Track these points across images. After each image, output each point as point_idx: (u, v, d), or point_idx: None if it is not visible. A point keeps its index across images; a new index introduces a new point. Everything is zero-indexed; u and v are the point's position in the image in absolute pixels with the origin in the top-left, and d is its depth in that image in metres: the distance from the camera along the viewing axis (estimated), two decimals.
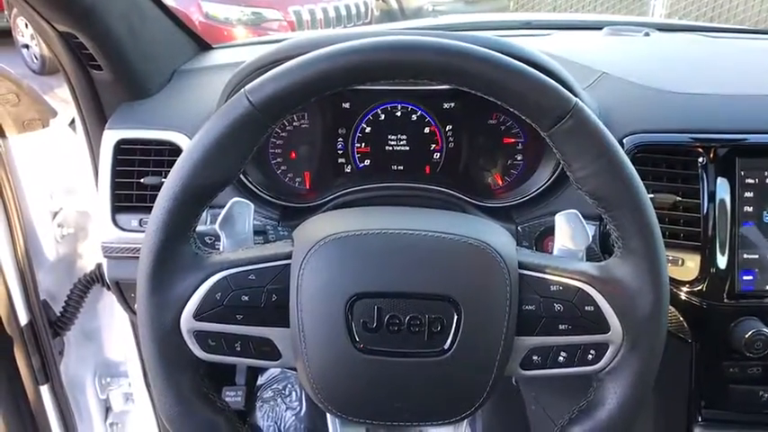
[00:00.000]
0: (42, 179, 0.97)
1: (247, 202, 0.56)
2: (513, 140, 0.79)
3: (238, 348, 0.50)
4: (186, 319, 0.49)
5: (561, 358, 0.50)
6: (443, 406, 0.49)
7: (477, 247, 0.48)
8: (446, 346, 0.47)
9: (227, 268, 0.50)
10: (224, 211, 0.55)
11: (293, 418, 1.25)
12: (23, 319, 0.97)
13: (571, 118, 0.45)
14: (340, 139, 0.79)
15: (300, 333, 0.48)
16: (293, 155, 0.80)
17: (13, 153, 0.92)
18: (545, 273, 0.49)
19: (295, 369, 0.51)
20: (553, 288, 0.49)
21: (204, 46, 0.98)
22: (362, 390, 0.48)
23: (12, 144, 0.91)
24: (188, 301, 0.49)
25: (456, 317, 0.47)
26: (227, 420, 0.51)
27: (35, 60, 4.26)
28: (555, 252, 0.54)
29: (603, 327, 0.48)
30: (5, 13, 4.42)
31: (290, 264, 0.49)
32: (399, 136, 0.78)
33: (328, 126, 0.78)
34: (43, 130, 0.94)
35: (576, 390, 0.56)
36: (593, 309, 0.48)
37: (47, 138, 0.95)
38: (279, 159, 0.80)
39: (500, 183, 0.80)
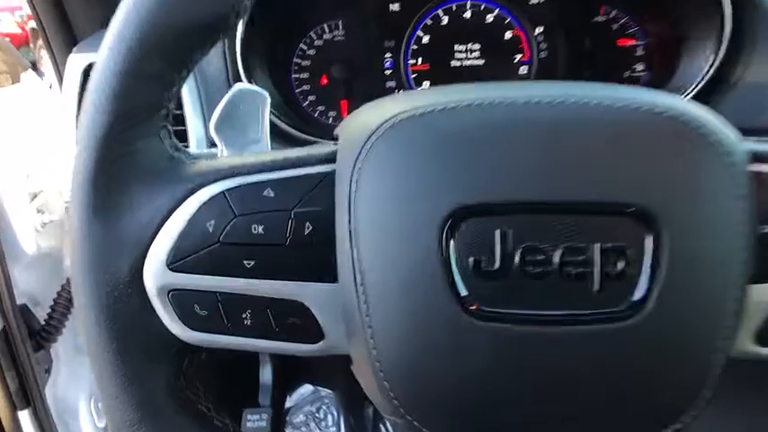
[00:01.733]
0: (16, 152, 0.78)
1: (260, 90, 0.34)
2: (630, 42, 0.57)
3: (247, 321, 0.28)
4: (155, 270, 0.28)
5: None
6: (632, 413, 0.26)
7: (680, 122, 0.26)
8: (635, 300, 0.25)
9: (226, 177, 0.28)
10: (222, 104, 0.34)
11: None
12: None
13: None
14: (388, 55, 0.61)
15: (359, 289, 0.26)
16: (324, 79, 0.61)
17: None
18: None
19: (348, 358, 0.29)
20: None
21: None
22: (478, 386, 0.26)
23: None
24: (156, 235, 0.27)
25: (652, 246, 0.25)
26: None
27: None
28: None
29: None
30: None
31: (334, 170, 0.27)
32: (470, 46, 0.60)
33: (372, 37, 0.60)
34: (13, 86, 0.76)
35: None
36: None
37: (20, 97, 0.77)
38: (305, 86, 0.61)
39: None
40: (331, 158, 0.28)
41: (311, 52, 0.61)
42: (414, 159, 0.26)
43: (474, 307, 0.25)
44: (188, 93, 0.53)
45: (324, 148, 0.29)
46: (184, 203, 0.28)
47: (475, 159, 0.26)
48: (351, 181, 0.26)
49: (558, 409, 0.26)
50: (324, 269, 0.28)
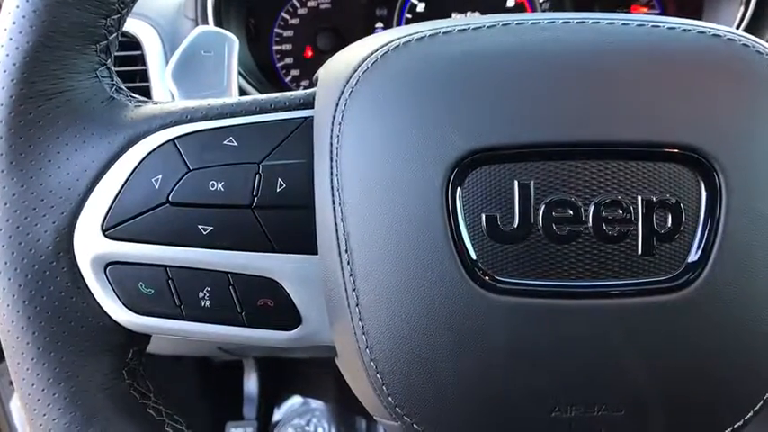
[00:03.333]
0: None
1: (227, 34, 0.29)
2: (644, 10, 0.53)
3: (206, 303, 0.22)
4: (88, 237, 0.23)
5: None
6: (691, 406, 0.21)
7: (741, 45, 0.22)
8: (689, 263, 0.20)
9: (178, 123, 0.23)
10: (182, 48, 0.28)
11: None
12: None
13: None
14: (379, 25, 0.56)
15: (343, 260, 0.21)
16: (309, 51, 0.57)
17: None
18: None
19: (331, 349, 0.23)
20: None
21: None
22: (494, 377, 0.21)
23: None
24: (89, 193, 0.22)
25: (708, 198, 0.20)
26: None
27: None
28: None
29: None
30: None
31: (311, 116, 0.22)
32: (470, 14, 0.55)
33: (362, 5, 0.56)
34: None
35: None
36: None
37: None
38: (288, 59, 0.56)
39: None
40: (310, 102, 0.23)
41: (294, 21, 0.56)
42: (410, 94, 0.21)
43: (487, 277, 0.20)
44: (158, 66, 0.48)
45: (302, 91, 0.24)
46: (125, 154, 0.22)
47: (487, 92, 0.20)
48: (333, 124, 0.21)
49: (596, 404, 0.21)
50: (300, 237, 0.22)
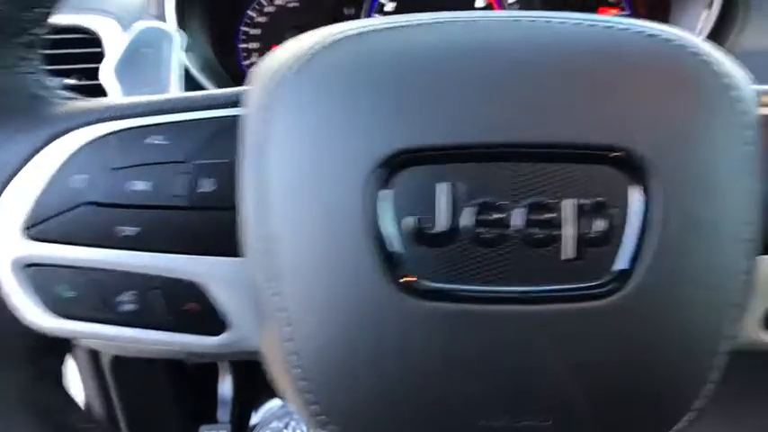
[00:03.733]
0: None
1: (167, 29, 0.28)
2: (614, 11, 0.52)
3: (129, 307, 0.22)
4: (6, 237, 0.22)
5: None
6: (618, 415, 0.21)
7: (676, 45, 0.21)
8: (618, 271, 0.20)
9: (102, 120, 0.22)
10: (124, 46, 0.27)
11: None
12: None
13: None
14: None
15: (267, 261, 0.20)
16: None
17: None
18: None
19: (256, 355, 0.22)
20: None
21: None
22: (421, 384, 0.20)
23: None
24: (4, 189, 0.22)
25: (640, 202, 0.20)
26: None
27: None
28: None
29: None
30: None
31: (239, 115, 0.22)
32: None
33: (329, 4, 0.55)
34: None
35: None
36: None
37: None
38: (254, 58, 0.54)
39: None
40: (240, 99, 0.22)
41: (261, 20, 0.55)
42: (339, 93, 0.20)
43: (412, 281, 0.19)
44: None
45: (234, 89, 0.23)
46: (44, 151, 0.21)
47: (417, 91, 0.20)
48: (259, 122, 0.20)
49: (523, 414, 0.20)
50: (228, 239, 0.21)
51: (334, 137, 0.19)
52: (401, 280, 0.19)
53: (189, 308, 0.22)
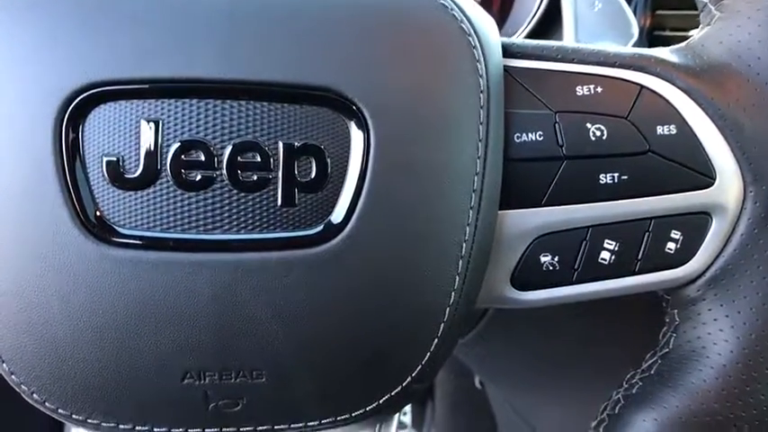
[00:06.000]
0: None
1: None
2: None
3: (606, 258, 0.23)
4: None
5: (604, 257, 0.22)
6: (331, 371, 0.21)
7: None
8: (334, 215, 0.20)
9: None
10: None
11: None
12: None
13: None
14: None
15: None
16: None
17: None
18: (566, 62, 0.22)
19: None
20: (584, 91, 0.22)
21: None
22: (117, 342, 0.19)
23: None
24: None
25: (359, 148, 0.20)
26: None
27: None
28: None
29: (701, 171, 0.22)
30: None
31: None
32: None
33: None
34: None
35: (592, 390, 0.30)
36: (674, 133, 0.22)
37: None
38: None
39: None
40: None
41: None
42: (28, 22, 0.18)
43: (106, 228, 0.18)
44: None
45: None
46: None
47: (113, 20, 0.18)
48: None
49: (233, 370, 0.20)
50: None
51: (23, 71, 0.18)
52: (93, 227, 0.18)
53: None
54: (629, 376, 0.25)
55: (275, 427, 0.20)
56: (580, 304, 0.23)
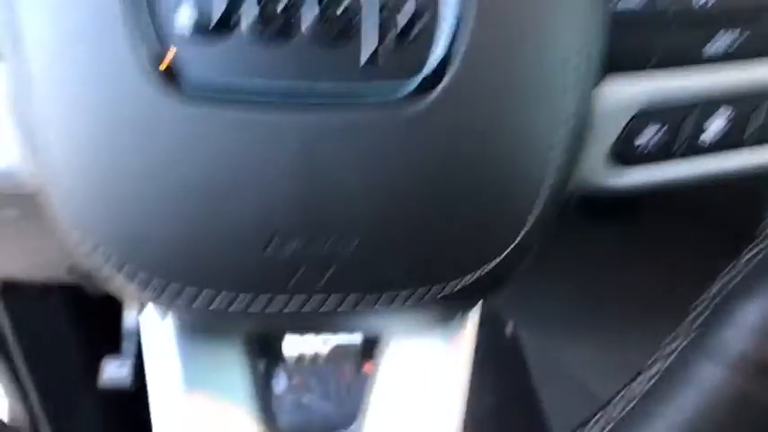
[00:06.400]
0: None
1: None
2: None
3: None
4: None
5: (714, 128, 0.20)
6: (439, 238, 0.19)
7: None
8: (426, 75, 0.18)
9: None
10: None
11: None
12: None
13: None
14: None
15: (21, 65, 0.18)
16: None
17: None
18: None
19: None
20: None
21: None
22: (196, 206, 0.18)
23: None
24: None
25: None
26: None
27: None
28: None
29: None
30: None
31: None
32: None
33: None
34: None
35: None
36: None
37: None
38: None
39: None
40: None
41: None
42: None
43: (181, 78, 0.17)
44: None
45: None
46: None
47: None
48: None
49: (321, 236, 0.18)
50: None
51: None
52: (168, 77, 0.17)
53: None
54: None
55: (366, 296, 0.19)
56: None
